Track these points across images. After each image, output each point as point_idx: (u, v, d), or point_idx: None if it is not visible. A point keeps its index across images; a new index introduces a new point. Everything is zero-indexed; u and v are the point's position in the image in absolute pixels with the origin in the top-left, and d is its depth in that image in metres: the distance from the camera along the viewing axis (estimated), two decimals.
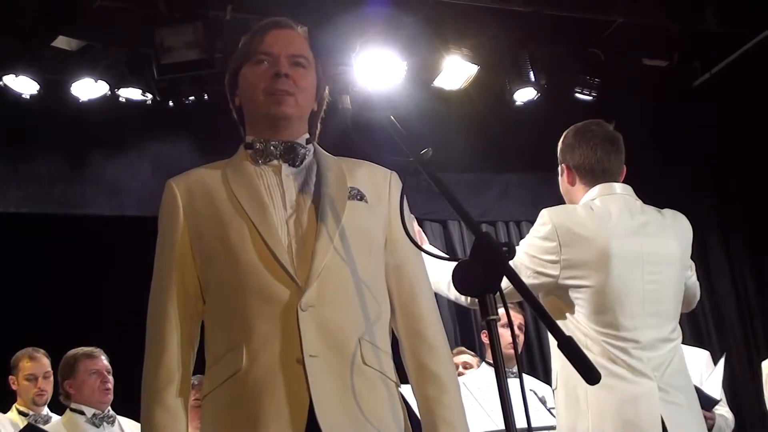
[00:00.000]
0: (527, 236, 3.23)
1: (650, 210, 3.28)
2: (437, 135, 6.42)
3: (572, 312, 3.10)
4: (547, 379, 7.01)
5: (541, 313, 1.79)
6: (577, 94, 6.86)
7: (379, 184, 2.33)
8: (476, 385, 4.98)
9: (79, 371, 5.02)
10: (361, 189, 2.29)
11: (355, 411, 2.04)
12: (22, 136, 6.39)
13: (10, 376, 5.44)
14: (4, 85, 5.90)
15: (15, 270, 6.20)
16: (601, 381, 2.94)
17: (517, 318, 5.18)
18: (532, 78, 6.75)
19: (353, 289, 2.14)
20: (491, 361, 5.02)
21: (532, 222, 3.27)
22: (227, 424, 2.07)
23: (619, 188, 3.27)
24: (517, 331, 5.19)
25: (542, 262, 3.11)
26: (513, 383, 1.77)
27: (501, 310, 1.83)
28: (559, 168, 3.40)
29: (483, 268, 1.79)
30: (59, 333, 5.72)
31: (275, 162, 2.27)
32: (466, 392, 4.95)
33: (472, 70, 6.49)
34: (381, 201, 2.31)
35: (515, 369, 4.45)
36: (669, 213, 3.31)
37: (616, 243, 3.07)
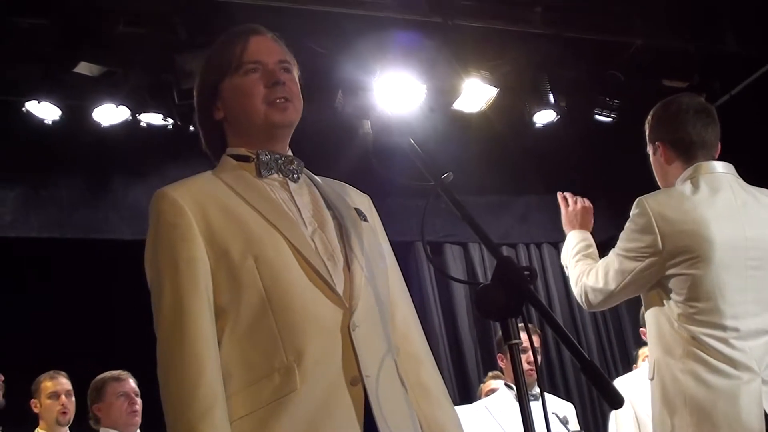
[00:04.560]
0: (625, 231, 3.07)
1: (753, 190, 3.13)
2: (457, 157, 6.43)
3: (667, 302, 2.98)
4: (567, 397, 6.95)
5: (563, 337, 1.77)
6: (597, 116, 6.86)
7: (365, 207, 2.33)
8: (498, 408, 4.97)
9: (106, 394, 5.03)
10: (361, 210, 2.28)
11: (406, 428, 2.06)
12: (44, 162, 6.41)
13: (32, 400, 5.45)
14: (27, 110, 5.94)
15: (37, 295, 6.22)
16: (700, 376, 2.83)
17: (535, 338, 5.15)
18: (552, 100, 6.75)
19: (379, 309, 2.12)
20: (511, 384, 5.00)
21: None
22: None
23: (720, 167, 3.13)
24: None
25: (642, 256, 2.98)
26: (534, 406, 1.75)
27: (523, 334, 1.83)
28: (651, 147, 3.22)
29: (505, 291, 1.78)
30: (83, 358, 5.72)
31: (276, 176, 2.19)
32: (488, 416, 4.94)
33: (491, 92, 6.48)
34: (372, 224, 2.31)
35: (535, 391, 4.42)
36: None
37: (717, 228, 2.93)
